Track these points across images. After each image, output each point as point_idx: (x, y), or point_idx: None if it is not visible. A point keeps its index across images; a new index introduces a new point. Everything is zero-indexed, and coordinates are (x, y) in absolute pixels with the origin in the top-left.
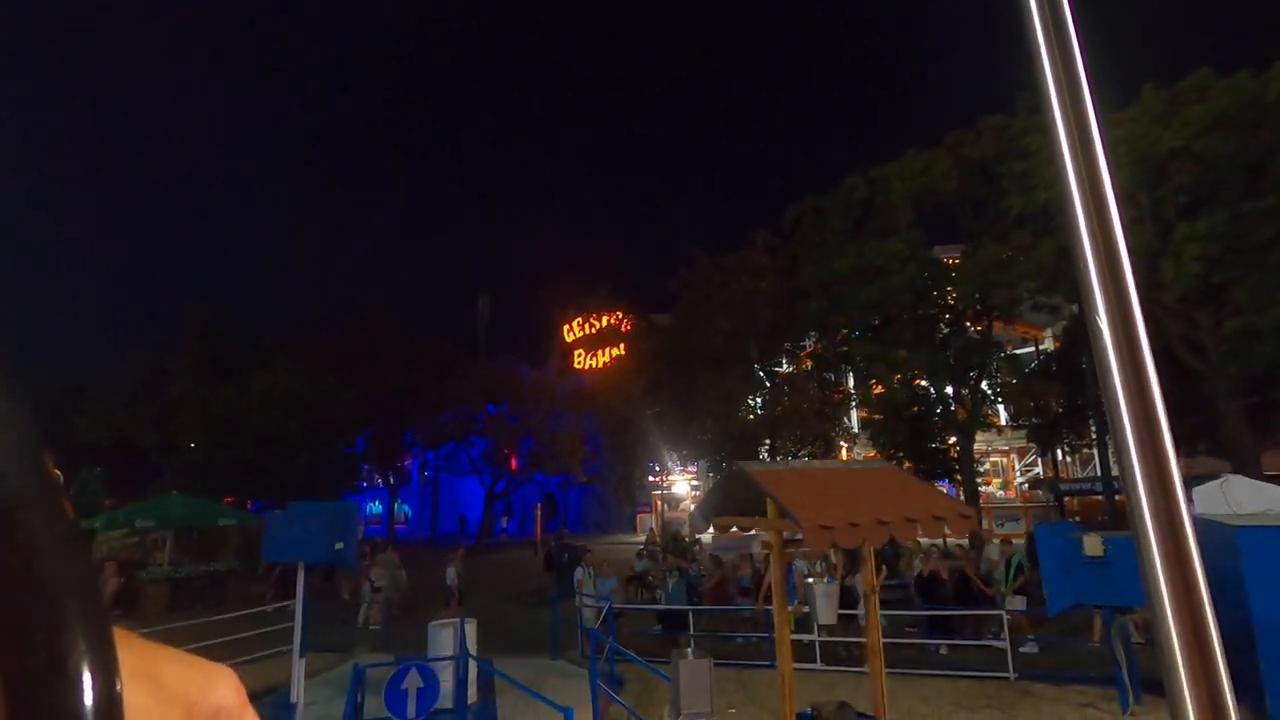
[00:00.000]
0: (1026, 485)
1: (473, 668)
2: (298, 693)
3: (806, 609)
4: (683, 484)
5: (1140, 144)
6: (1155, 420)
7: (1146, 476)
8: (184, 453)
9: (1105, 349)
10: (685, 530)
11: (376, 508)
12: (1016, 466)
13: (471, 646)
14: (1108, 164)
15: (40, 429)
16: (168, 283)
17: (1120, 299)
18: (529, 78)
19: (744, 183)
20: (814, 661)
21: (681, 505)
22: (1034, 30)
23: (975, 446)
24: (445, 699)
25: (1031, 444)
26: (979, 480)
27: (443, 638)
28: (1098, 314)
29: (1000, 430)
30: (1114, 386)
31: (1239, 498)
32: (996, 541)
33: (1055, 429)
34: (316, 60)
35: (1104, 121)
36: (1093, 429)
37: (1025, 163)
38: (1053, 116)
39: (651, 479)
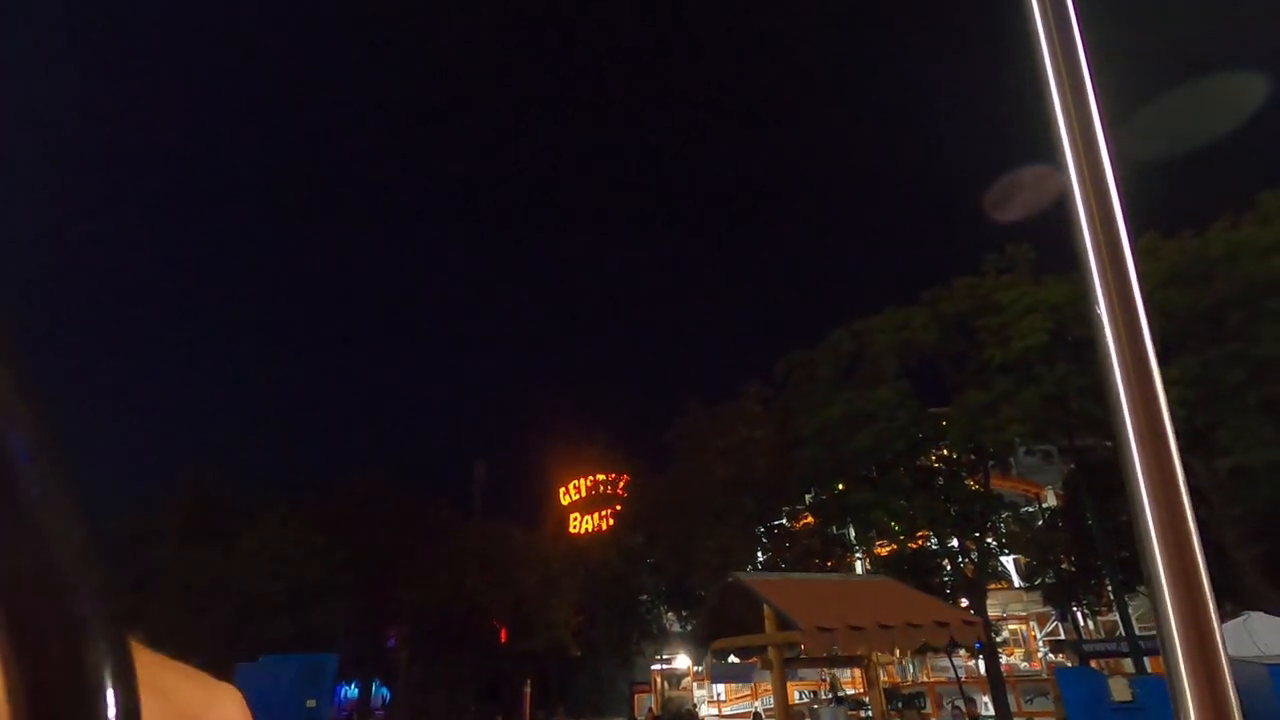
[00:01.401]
0: (1050, 655)
1: None
2: None
3: None
4: (684, 659)
5: None
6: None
7: (1178, 610)
8: (157, 623)
9: (1108, 343)
10: (689, 706)
11: (352, 691)
12: (1038, 635)
13: None
14: (1112, 167)
15: (58, 420)
16: (153, 441)
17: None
18: (521, 235)
19: (733, 337)
20: None
21: (683, 683)
22: (1036, 29)
23: (991, 612)
24: None
25: (1049, 607)
26: (999, 650)
27: None
28: (1098, 304)
29: (1012, 588)
30: (1115, 381)
31: (1265, 636)
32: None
33: (1071, 589)
34: (314, 209)
35: (1057, 281)
36: (1109, 588)
37: (999, 317)
38: (1054, 109)
39: (651, 653)
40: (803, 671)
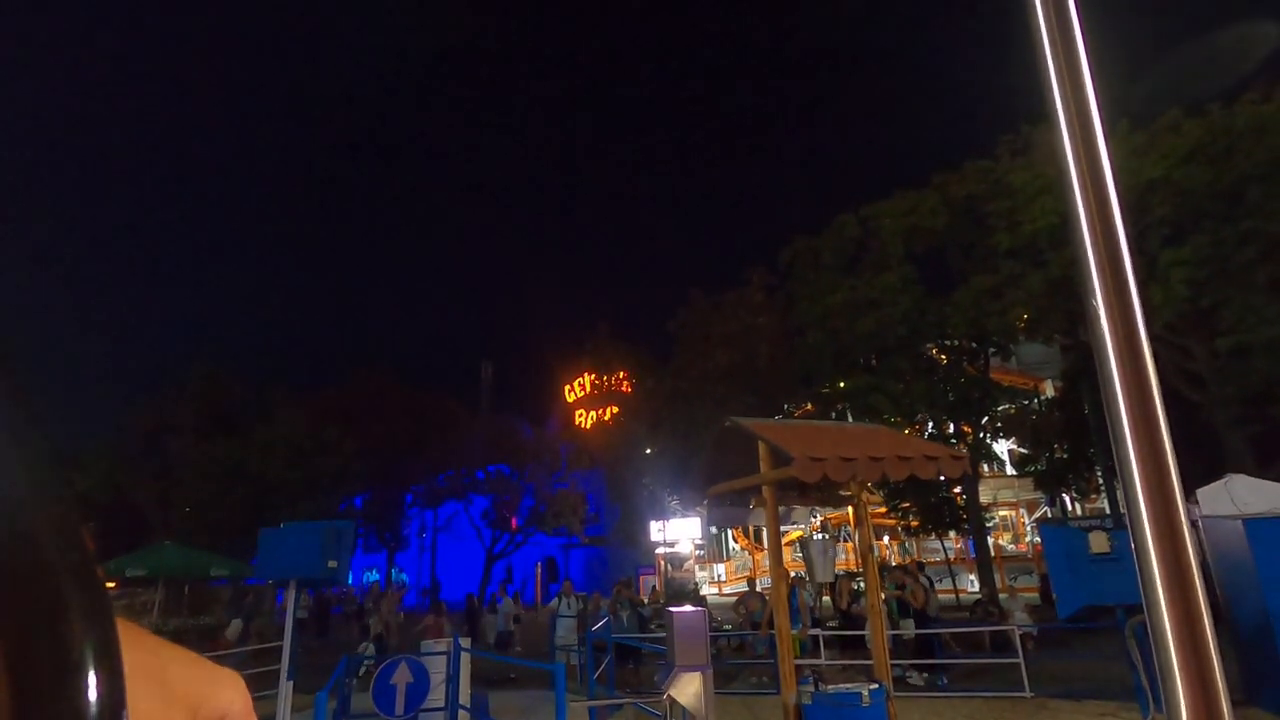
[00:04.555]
0: (1037, 539)
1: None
2: (284, 718)
3: (812, 632)
4: (686, 543)
5: (1120, 177)
6: (1154, 418)
7: (1145, 476)
8: (181, 508)
9: (1103, 335)
10: (690, 586)
11: (373, 575)
12: (1026, 521)
13: (465, 663)
14: (1109, 162)
15: (44, 436)
16: (169, 339)
17: (1121, 295)
18: (525, 129)
19: (738, 227)
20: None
21: (686, 566)
22: (1040, 35)
23: (983, 499)
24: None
25: (1039, 493)
26: (989, 536)
27: (436, 649)
28: (1095, 297)
29: (1004, 476)
30: (1112, 378)
31: (1244, 496)
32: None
33: (1062, 475)
34: (319, 112)
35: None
36: (1099, 474)
37: (1010, 200)
38: (1056, 113)
39: (655, 539)
40: (795, 513)
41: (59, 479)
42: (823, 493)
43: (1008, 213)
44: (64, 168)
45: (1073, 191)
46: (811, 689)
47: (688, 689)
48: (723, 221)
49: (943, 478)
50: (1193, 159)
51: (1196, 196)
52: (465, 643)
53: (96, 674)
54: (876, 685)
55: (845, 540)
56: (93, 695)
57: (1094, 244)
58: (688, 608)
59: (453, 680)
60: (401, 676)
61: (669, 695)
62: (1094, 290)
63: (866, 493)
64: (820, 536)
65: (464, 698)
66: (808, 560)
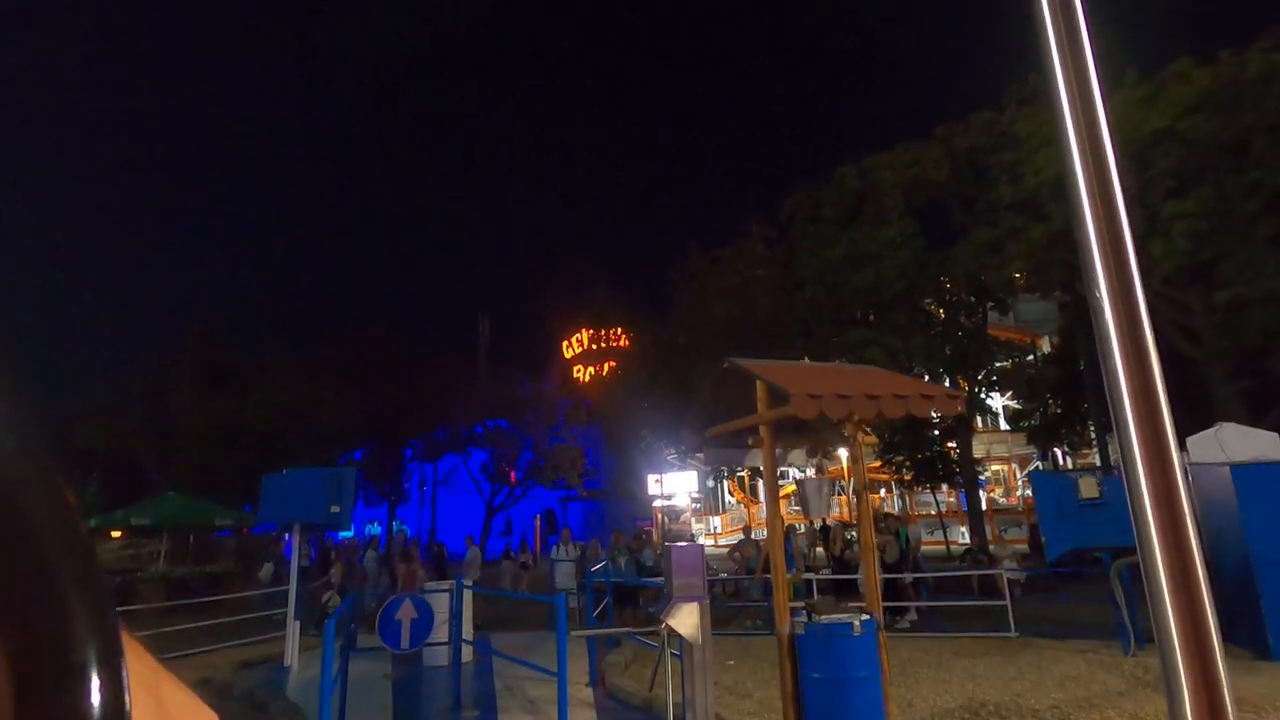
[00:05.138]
0: (1028, 493)
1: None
2: (292, 656)
3: (805, 576)
4: (683, 497)
5: (1125, 128)
6: (1149, 371)
7: (1144, 448)
8: (181, 462)
9: (1103, 312)
10: (687, 538)
11: (375, 528)
12: (1018, 475)
13: (467, 603)
14: (1110, 137)
15: (50, 440)
16: (169, 296)
17: (1120, 265)
18: (525, 86)
19: (739, 181)
20: None
21: (682, 518)
22: (1040, 6)
23: (976, 454)
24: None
25: (1031, 447)
26: (981, 489)
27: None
28: (1097, 286)
29: (998, 431)
30: (1110, 342)
31: (1233, 444)
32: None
33: (1055, 431)
34: (320, 73)
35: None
36: (1092, 429)
37: (1014, 153)
38: (1056, 89)
39: (652, 492)
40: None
41: (60, 474)
42: (819, 434)
43: (1011, 165)
44: (69, 128)
45: (1077, 190)
46: (805, 620)
47: (686, 619)
48: (723, 175)
49: (937, 431)
50: (1200, 108)
51: (1202, 147)
52: (468, 582)
53: (99, 676)
54: (868, 616)
55: (840, 494)
56: (95, 698)
57: (1099, 238)
58: (684, 543)
59: (455, 617)
60: (406, 612)
61: (666, 625)
62: (1097, 283)
63: (862, 433)
64: (817, 479)
65: (466, 634)
66: (803, 498)
